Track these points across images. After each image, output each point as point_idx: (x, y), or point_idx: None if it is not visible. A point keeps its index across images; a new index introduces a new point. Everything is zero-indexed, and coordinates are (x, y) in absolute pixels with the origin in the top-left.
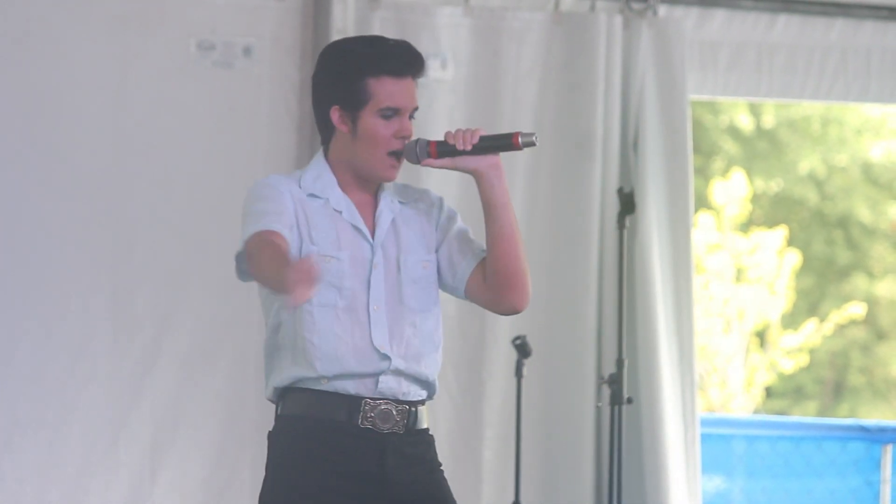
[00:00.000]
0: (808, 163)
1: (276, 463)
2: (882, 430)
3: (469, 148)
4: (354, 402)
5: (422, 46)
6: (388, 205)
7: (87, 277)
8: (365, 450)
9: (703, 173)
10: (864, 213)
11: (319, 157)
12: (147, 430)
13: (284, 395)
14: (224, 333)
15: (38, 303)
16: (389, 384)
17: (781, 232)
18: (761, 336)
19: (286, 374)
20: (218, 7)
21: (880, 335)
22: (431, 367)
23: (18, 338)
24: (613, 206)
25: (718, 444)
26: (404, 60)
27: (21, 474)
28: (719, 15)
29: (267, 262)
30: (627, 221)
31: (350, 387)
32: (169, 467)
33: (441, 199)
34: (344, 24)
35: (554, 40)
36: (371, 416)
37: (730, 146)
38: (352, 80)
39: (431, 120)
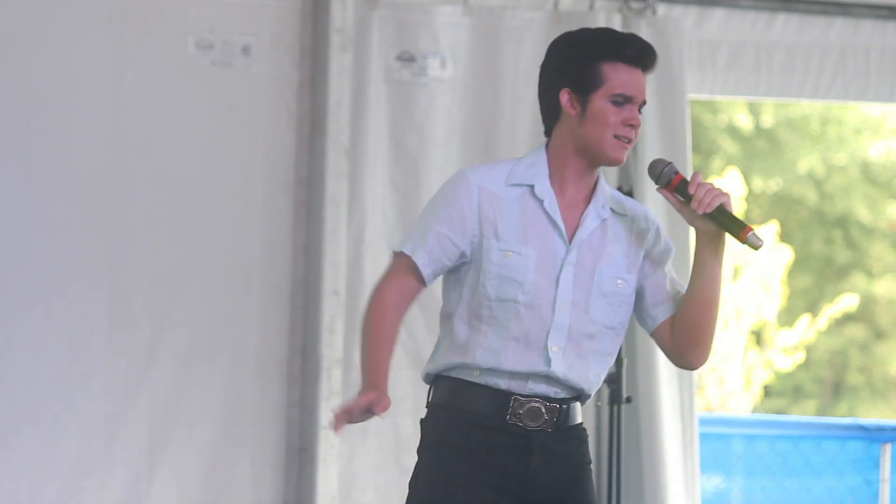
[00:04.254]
0: (807, 162)
1: (424, 449)
2: (881, 429)
3: (700, 212)
4: (503, 396)
5: (420, 46)
6: (597, 209)
7: (85, 276)
8: (510, 445)
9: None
10: (862, 213)
11: (539, 148)
12: (144, 428)
13: (436, 382)
14: (222, 332)
15: (34, 301)
16: (540, 386)
17: (773, 227)
18: (758, 334)
19: (443, 360)
20: (216, 6)
21: (879, 334)
22: (593, 383)
23: (15, 336)
24: None
25: (717, 443)
26: (639, 50)
27: (17, 472)
28: (718, 14)
29: (369, 340)
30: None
31: (501, 383)
32: (166, 466)
33: (660, 227)
34: (343, 23)
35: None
36: (519, 413)
37: (729, 145)
38: (586, 63)
39: (431, 119)
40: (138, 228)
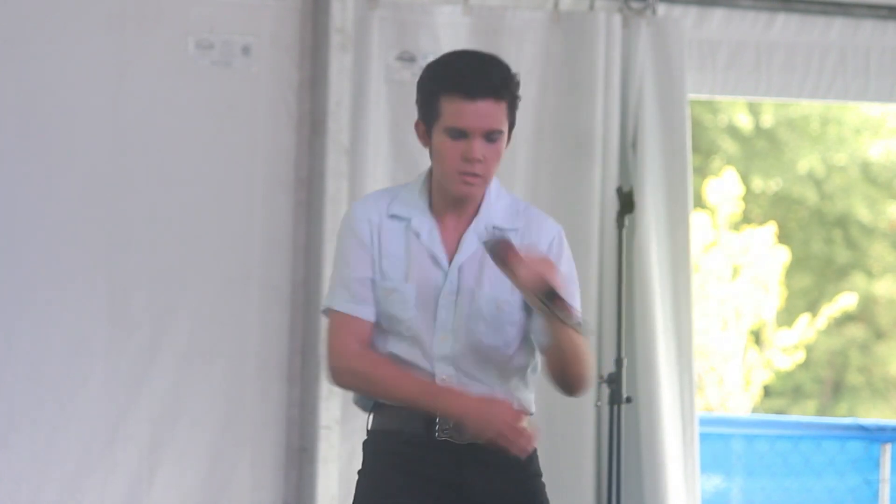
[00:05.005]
0: (807, 162)
1: (363, 472)
2: (881, 429)
3: (528, 285)
4: (431, 415)
5: (420, 46)
6: (478, 230)
7: (85, 276)
8: (443, 460)
9: (702, 172)
10: (862, 213)
11: (425, 172)
12: (145, 428)
13: (374, 409)
14: (222, 332)
15: (34, 301)
16: None
17: (771, 228)
18: (757, 334)
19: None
20: (216, 6)
21: (879, 334)
22: (511, 394)
23: (15, 336)
24: (612, 205)
25: (717, 443)
26: (476, 80)
27: (18, 473)
28: (718, 14)
29: (400, 385)
30: (626, 220)
31: None
32: (167, 466)
33: (557, 239)
34: (343, 22)
35: (553, 39)
36: (447, 429)
37: (729, 145)
38: (427, 97)
39: None
40: (138, 228)
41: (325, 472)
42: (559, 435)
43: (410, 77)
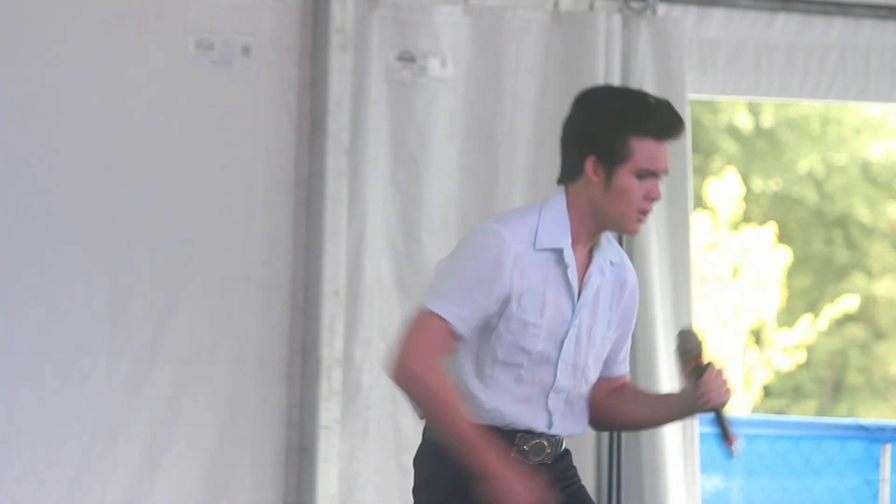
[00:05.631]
0: (807, 162)
1: (429, 483)
2: (881, 429)
3: (706, 406)
4: (509, 435)
5: (420, 46)
6: (599, 266)
7: (86, 276)
8: None
9: (703, 172)
10: (862, 213)
11: (560, 202)
12: (146, 428)
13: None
14: (223, 332)
15: (36, 301)
16: (543, 424)
17: (771, 228)
18: (757, 334)
19: None
20: (216, 6)
21: (879, 334)
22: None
23: (17, 336)
24: None
25: (717, 443)
26: (669, 124)
27: (19, 473)
28: (718, 14)
29: (453, 417)
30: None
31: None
32: (168, 466)
33: (636, 284)
34: (343, 22)
35: (553, 39)
36: (524, 449)
37: (729, 145)
38: (614, 136)
39: (431, 119)
40: (139, 228)
41: (325, 472)
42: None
43: (410, 77)
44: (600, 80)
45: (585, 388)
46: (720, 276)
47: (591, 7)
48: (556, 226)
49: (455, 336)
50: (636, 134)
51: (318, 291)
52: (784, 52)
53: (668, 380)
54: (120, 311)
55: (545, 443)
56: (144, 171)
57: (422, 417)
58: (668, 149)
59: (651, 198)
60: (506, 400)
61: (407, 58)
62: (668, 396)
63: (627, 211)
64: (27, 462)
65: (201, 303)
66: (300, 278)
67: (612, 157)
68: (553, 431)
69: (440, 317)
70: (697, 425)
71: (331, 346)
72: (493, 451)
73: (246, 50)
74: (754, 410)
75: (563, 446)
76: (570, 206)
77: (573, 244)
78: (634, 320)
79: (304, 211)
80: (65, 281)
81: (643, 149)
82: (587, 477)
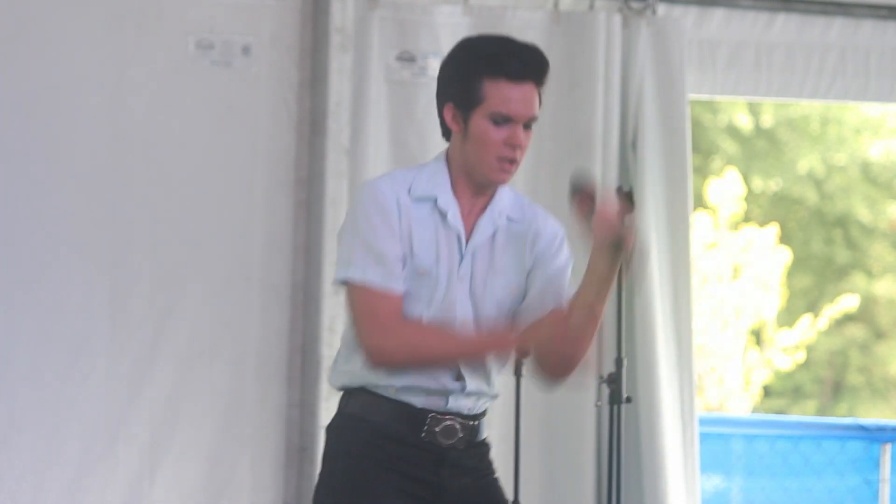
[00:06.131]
0: (807, 162)
1: (334, 456)
2: (881, 429)
3: (606, 237)
4: (420, 415)
5: (420, 46)
6: (492, 217)
7: (86, 276)
8: (423, 459)
9: (702, 172)
10: (862, 213)
11: (440, 155)
12: (145, 429)
13: (351, 393)
14: (223, 332)
15: (36, 302)
16: (459, 402)
17: (773, 229)
18: (757, 334)
19: (354, 373)
20: (216, 6)
21: (879, 334)
22: (493, 381)
23: (17, 337)
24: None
25: (717, 443)
26: (525, 64)
27: (19, 473)
28: (718, 14)
29: (447, 348)
30: (626, 220)
31: (417, 401)
32: (167, 466)
33: (560, 237)
34: (343, 22)
35: (553, 39)
36: (435, 431)
37: (729, 145)
38: (467, 79)
39: (431, 119)
40: (139, 228)
41: None
42: (559, 435)
43: (410, 77)
44: (600, 80)
45: None
46: (720, 276)
47: (591, 7)
48: (432, 176)
49: (397, 296)
50: (489, 76)
51: (318, 291)
52: (784, 52)
53: (668, 379)
54: (120, 312)
55: (457, 425)
56: (144, 172)
57: (335, 385)
58: (529, 93)
59: (511, 143)
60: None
61: (407, 58)
62: (589, 271)
63: (486, 157)
64: (27, 462)
65: (201, 303)
66: (300, 278)
67: (466, 103)
68: (468, 388)
69: (368, 286)
70: (697, 426)
71: (331, 346)
72: (493, 331)
73: (246, 50)
74: (754, 410)
75: (480, 435)
76: (450, 159)
77: (458, 196)
78: (560, 262)
79: (304, 211)
80: (64, 281)
81: (496, 91)
82: (587, 477)
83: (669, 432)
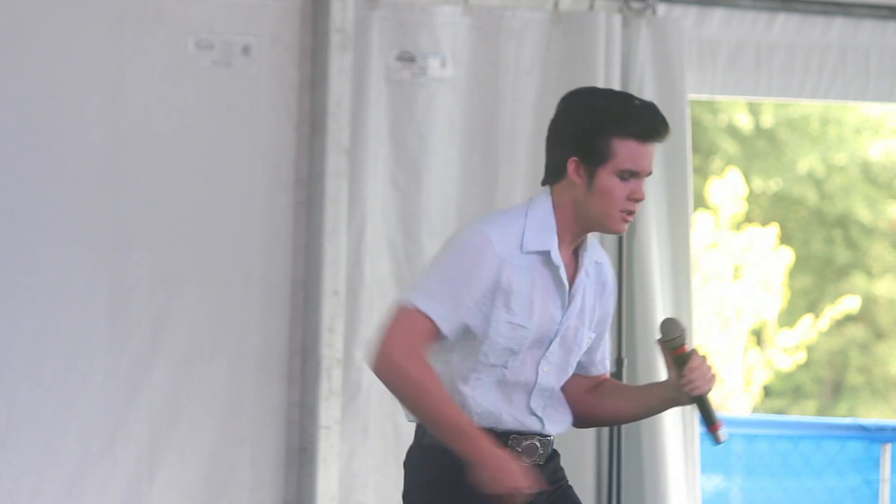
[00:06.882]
0: (807, 162)
1: (420, 489)
2: (881, 429)
3: (686, 391)
4: (501, 437)
5: (420, 46)
6: (586, 267)
7: (85, 276)
8: None
9: (702, 172)
10: (862, 213)
11: (546, 204)
12: (144, 428)
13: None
14: (222, 332)
15: (35, 301)
16: (535, 424)
17: (774, 229)
18: (758, 334)
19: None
20: (216, 6)
21: (879, 334)
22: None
23: (15, 336)
24: None
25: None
26: (652, 126)
27: (18, 472)
28: (718, 14)
29: (441, 407)
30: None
31: (500, 426)
32: (166, 466)
33: (615, 284)
34: (343, 23)
35: (553, 39)
36: (518, 451)
37: (729, 145)
38: (596, 137)
39: (431, 119)
40: (138, 228)
41: (325, 472)
42: (559, 435)
43: (410, 77)
44: (600, 81)
45: (566, 379)
46: (721, 276)
47: (591, 7)
48: (542, 227)
49: (436, 334)
50: (618, 135)
51: (318, 291)
52: (784, 52)
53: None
54: (119, 311)
55: (537, 443)
56: (144, 171)
57: (410, 420)
58: (652, 150)
59: (634, 198)
60: (488, 399)
61: (407, 58)
62: (652, 386)
63: (611, 211)
64: (26, 462)
65: (201, 303)
66: (300, 278)
67: (593, 158)
68: (546, 431)
69: (423, 313)
70: (698, 425)
71: (331, 346)
72: (484, 436)
73: (246, 50)
74: (754, 410)
75: (553, 446)
76: (555, 207)
77: (559, 245)
78: (608, 312)
79: (304, 211)
80: (64, 281)
81: (625, 150)
82: (587, 477)
83: (670, 432)
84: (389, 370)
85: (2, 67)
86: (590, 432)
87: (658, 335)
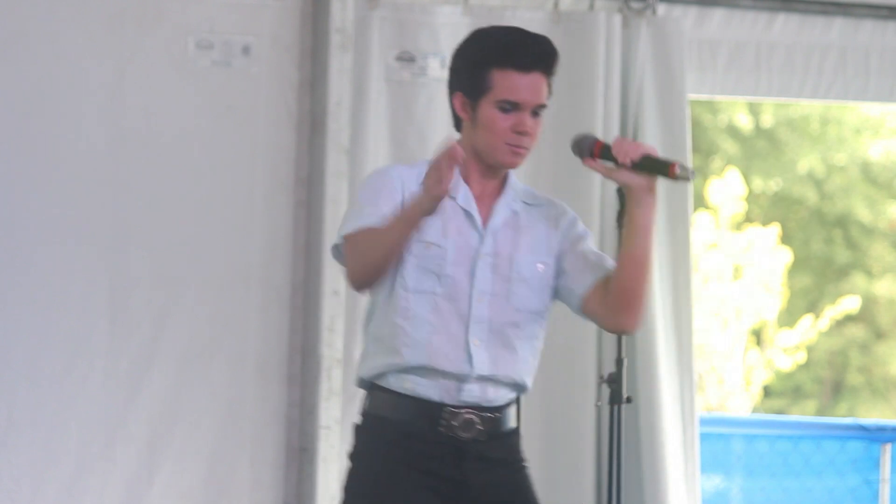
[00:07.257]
0: (807, 162)
1: (360, 454)
2: (881, 429)
3: (628, 163)
4: (435, 409)
5: (420, 46)
6: (508, 201)
7: (85, 276)
8: (444, 454)
9: (702, 172)
10: (862, 213)
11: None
12: (144, 429)
13: (371, 391)
14: (222, 332)
15: (34, 301)
16: (473, 392)
17: (774, 229)
18: (758, 334)
19: (372, 362)
20: (216, 6)
21: (879, 334)
22: (525, 371)
23: (15, 336)
24: (613, 205)
25: (717, 443)
26: (533, 55)
27: (17, 472)
28: (718, 14)
29: (379, 232)
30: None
31: (433, 393)
32: (166, 467)
33: (575, 216)
34: (343, 23)
35: (553, 39)
36: (452, 424)
37: (729, 145)
38: (475, 69)
39: (431, 119)
40: (138, 228)
41: (325, 472)
42: (559, 435)
43: (410, 77)
44: (600, 81)
45: (517, 317)
46: (721, 276)
47: (591, 7)
48: None
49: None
50: (498, 66)
51: (318, 291)
52: (784, 52)
53: (667, 379)
54: (119, 311)
55: (474, 417)
56: (144, 171)
57: (363, 386)
58: (537, 81)
59: (518, 130)
60: (424, 330)
61: (407, 58)
62: (627, 220)
63: (496, 143)
64: (26, 462)
65: (201, 303)
66: (300, 278)
67: (474, 92)
68: (476, 369)
69: (354, 233)
70: (697, 425)
71: (331, 346)
72: (415, 195)
73: (246, 50)
74: (754, 410)
75: (506, 426)
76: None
77: (469, 182)
78: (586, 241)
79: (304, 211)
80: (63, 281)
81: (503, 80)
82: (587, 477)
83: (670, 432)
84: (359, 275)
85: (2, 67)
86: (590, 432)
87: (577, 158)
